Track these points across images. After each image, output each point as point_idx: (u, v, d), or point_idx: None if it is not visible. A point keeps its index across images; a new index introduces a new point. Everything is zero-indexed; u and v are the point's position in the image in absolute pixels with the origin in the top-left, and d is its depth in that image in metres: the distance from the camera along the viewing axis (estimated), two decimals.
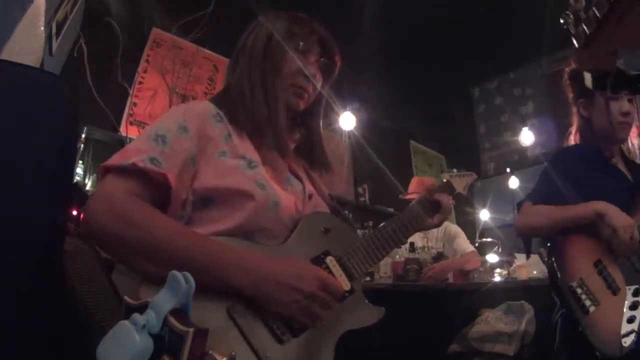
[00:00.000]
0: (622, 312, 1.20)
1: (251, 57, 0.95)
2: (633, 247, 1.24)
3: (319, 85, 0.99)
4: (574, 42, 0.47)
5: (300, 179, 0.99)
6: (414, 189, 2.97)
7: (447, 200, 1.10)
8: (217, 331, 0.68)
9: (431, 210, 1.08)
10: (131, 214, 0.72)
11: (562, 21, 0.47)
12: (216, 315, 0.71)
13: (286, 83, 0.94)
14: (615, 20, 0.42)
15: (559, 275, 1.27)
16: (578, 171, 1.39)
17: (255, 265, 0.75)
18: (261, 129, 0.91)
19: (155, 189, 0.77)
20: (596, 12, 0.43)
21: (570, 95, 1.56)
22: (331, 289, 0.79)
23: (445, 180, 1.18)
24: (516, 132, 4.33)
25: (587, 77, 0.54)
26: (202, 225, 0.80)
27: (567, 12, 0.46)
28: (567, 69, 1.55)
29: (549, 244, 1.37)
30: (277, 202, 0.84)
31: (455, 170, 1.23)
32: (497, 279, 2.68)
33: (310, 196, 0.97)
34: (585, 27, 0.44)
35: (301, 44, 0.95)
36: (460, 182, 1.20)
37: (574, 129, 1.59)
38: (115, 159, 0.77)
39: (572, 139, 1.58)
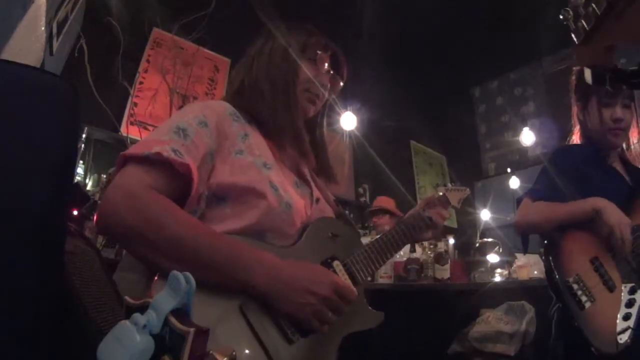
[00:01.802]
0: (618, 309, 1.21)
1: (270, 62, 0.97)
2: (628, 246, 1.25)
3: (327, 95, 1.05)
4: (574, 37, 0.47)
5: (308, 183, 1.01)
6: (378, 204, 3.27)
7: (438, 216, 1.13)
8: (228, 328, 0.70)
9: (430, 222, 1.12)
10: (152, 210, 0.71)
11: (561, 17, 0.47)
12: (229, 312, 0.72)
13: (301, 88, 0.98)
14: (614, 16, 0.42)
15: (556, 271, 1.28)
16: (576, 170, 1.40)
17: (274, 266, 0.76)
18: (282, 131, 0.94)
19: (176, 181, 0.77)
20: (595, 8, 0.43)
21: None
22: (345, 294, 0.80)
23: (441, 194, 1.22)
24: (517, 132, 4.32)
25: (587, 73, 0.54)
26: (215, 222, 0.80)
27: (567, 8, 0.46)
28: (574, 68, 1.55)
29: (546, 241, 1.38)
30: (289, 204, 0.85)
31: (450, 184, 1.27)
32: (497, 279, 2.68)
33: (317, 200, 0.99)
34: (584, 23, 0.45)
35: (316, 55, 1.00)
36: (455, 196, 1.26)
37: (575, 129, 1.59)
38: (137, 148, 0.76)
39: (574, 139, 1.59)
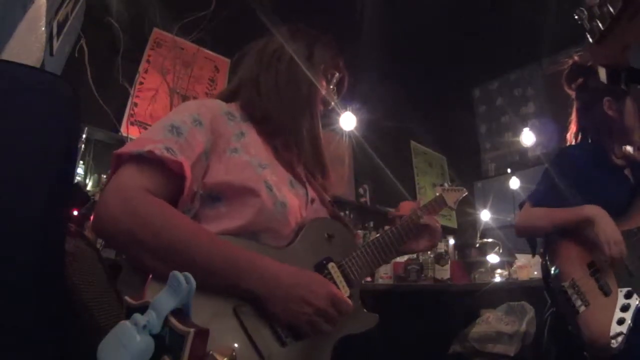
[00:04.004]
0: (613, 314, 1.21)
1: (292, 68, 0.98)
2: (617, 261, 1.25)
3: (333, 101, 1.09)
4: (588, 37, 0.47)
5: (303, 184, 1.00)
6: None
7: (435, 223, 1.11)
8: (222, 330, 0.69)
9: (421, 229, 1.10)
10: (148, 214, 0.71)
11: (576, 17, 0.48)
12: (222, 313, 0.72)
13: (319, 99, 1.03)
14: (629, 16, 0.42)
15: (552, 275, 1.28)
16: (579, 171, 1.39)
17: (272, 273, 0.75)
18: (299, 138, 0.96)
19: (170, 179, 0.76)
20: (610, 8, 0.43)
21: (573, 91, 1.56)
22: (341, 306, 0.80)
23: (438, 194, 1.22)
24: (517, 132, 4.32)
25: (602, 72, 0.54)
26: (209, 222, 0.80)
27: (581, 8, 0.47)
28: (577, 58, 1.53)
29: (545, 242, 1.38)
30: (284, 203, 0.85)
31: (447, 184, 1.27)
32: (497, 279, 2.68)
33: (312, 201, 0.99)
34: (599, 23, 0.45)
35: (334, 76, 1.05)
36: (452, 196, 1.26)
37: (573, 128, 1.58)
38: (130, 146, 0.76)
39: (573, 139, 1.58)
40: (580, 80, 1.54)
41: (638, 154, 1.51)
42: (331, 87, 1.06)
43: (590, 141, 1.51)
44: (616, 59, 0.49)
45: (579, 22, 0.47)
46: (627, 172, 1.47)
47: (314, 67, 1.00)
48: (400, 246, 1.06)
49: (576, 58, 1.54)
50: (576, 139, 1.56)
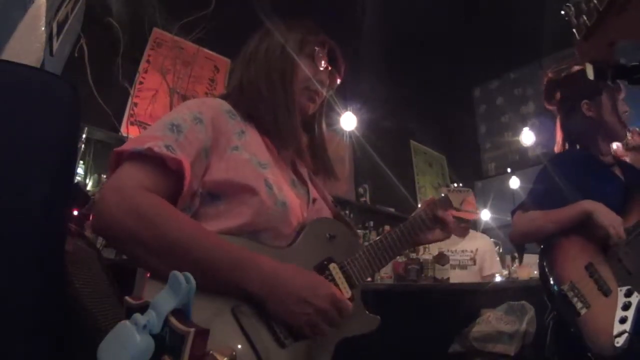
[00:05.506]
0: (614, 313, 1.21)
1: (267, 60, 0.96)
2: (623, 240, 1.27)
3: (325, 92, 1.03)
4: (575, 33, 0.47)
5: (304, 183, 1.00)
6: None
7: (448, 216, 1.09)
8: (220, 330, 0.68)
9: (432, 224, 1.08)
10: (146, 211, 0.70)
11: (562, 13, 0.48)
12: (220, 314, 0.71)
13: (300, 86, 0.97)
14: (615, 12, 0.42)
15: (551, 279, 1.28)
16: (573, 177, 1.40)
17: (272, 272, 0.75)
18: (280, 129, 0.93)
19: (169, 177, 0.76)
20: (597, 3, 0.43)
21: (554, 106, 1.58)
22: (341, 307, 0.79)
23: (443, 195, 1.20)
24: (517, 132, 4.34)
25: (589, 68, 0.54)
26: (208, 220, 0.79)
27: (568, 4, 0.47)
28: (574, 68, 1.55)
29: (542, 245, 1.38)
30: (285, 202, 0.84)
31: (453, 185, 1.26)
32: (498, 279, 2.69)
33: (314, 200, 0.98)
34: (586, 19, 0.45)
35: (314, 52, 0.99)
36: (458, 197, 1.23)
37: (559, 139, 1.60)
38: (129, 144, 0.75)
39: (561, 148, 1.59)
40: (558, 94, 1.57)
41: (623, 152, 1.53)
42: (322, 64, 1.01)
43: (577, 147, 1.53)
44: (603, 55, 0.49)
45: (566, 18, 0.48)
46: (616, 171, 1.48)
47: (289, 53, 0.97)
48: (404, 247, 1.05)
49: (550, 75, 1.57)
50: (563, 149, 1.58)
